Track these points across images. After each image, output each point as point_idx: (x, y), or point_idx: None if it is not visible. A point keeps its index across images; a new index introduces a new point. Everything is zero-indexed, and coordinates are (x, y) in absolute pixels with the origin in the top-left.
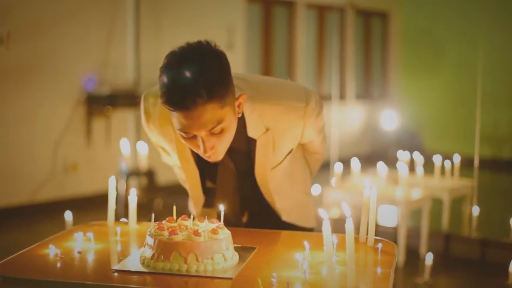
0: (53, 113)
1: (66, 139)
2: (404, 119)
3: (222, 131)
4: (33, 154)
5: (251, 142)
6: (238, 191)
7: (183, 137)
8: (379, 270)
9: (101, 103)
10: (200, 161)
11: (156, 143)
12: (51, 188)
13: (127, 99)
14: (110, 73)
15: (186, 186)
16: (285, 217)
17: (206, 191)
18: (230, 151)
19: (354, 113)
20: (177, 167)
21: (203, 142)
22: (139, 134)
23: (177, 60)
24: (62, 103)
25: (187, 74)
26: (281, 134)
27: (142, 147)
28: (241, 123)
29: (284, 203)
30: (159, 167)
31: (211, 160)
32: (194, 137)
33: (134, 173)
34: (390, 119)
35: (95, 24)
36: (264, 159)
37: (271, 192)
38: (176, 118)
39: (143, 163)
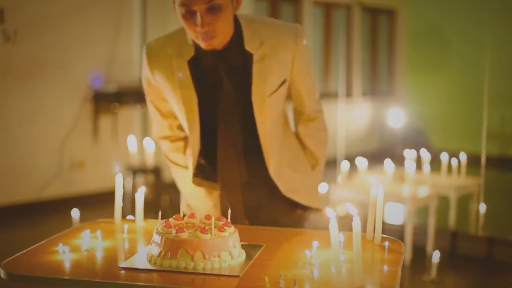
0: (60, 110)
1: (72, 136)
2: (411, 117)
3: (218, 10)
4: (39, 151)
5: (248, 59)
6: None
7: (184, 17)
8: (386, 268)
9: (108, 100)
10: (200, 91)
11: (154, 102)
12: (58, 186)
13: (134, 96)
14: (116, 71)
15: (181, 169)
16: (282, 187)
17: (203, 139)
18: (229, 71)
19: (361, 111)
20: (173, 154)
21: (201, 17)
22: (146, 131)
23: None
24: (69, 100)
25: None
26: (275, 50)
27: (149, 144)
28: (238, 38)
29: (277, 163)
30: (166, 164)
31: (207, 42)
32: (194, 16)
33: (140, 170)
34: (397, 117)
35: (102, 21)
36: (260, 78)
37: (267, 134)
38: None
39: (150, 160)
